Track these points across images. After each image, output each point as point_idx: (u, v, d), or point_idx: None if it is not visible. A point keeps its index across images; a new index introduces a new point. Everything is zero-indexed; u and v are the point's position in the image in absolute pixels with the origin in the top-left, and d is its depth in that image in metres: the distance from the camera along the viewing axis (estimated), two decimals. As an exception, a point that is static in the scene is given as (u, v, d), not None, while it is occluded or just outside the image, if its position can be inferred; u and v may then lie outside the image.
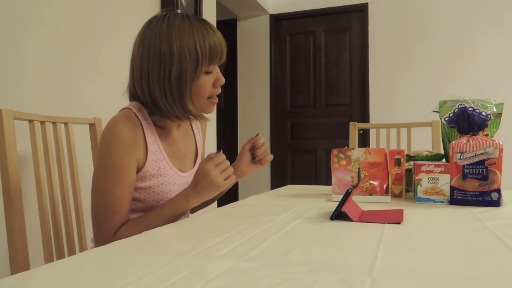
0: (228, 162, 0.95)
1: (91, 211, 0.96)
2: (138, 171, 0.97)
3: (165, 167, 1.01)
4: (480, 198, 1.02)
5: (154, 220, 0.93)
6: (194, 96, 0.98)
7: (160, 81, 0.94)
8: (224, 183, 0.93)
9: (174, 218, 0.95)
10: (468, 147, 1.04)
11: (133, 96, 1.02)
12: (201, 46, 0.94)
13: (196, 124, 1.19)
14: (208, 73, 0.98)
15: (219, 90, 1.02)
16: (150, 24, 0.97)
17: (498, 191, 1.02)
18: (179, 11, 1.01)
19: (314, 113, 4.09)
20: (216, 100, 1.03)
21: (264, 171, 4.20)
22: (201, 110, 1.01)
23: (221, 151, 0.96)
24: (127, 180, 0.93)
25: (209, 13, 2.88)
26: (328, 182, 3.70)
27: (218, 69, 1.01)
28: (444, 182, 1.06)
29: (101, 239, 0.94)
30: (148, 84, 0.96)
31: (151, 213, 0.96)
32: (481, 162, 1.03)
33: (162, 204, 0.97)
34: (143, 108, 1.00)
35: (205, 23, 0.98)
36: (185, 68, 0.94)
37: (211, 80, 0.99)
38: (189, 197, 0.94)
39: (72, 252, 1.16)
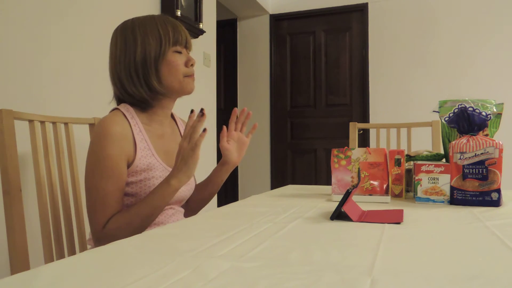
0: (196, 132, 0.94)
1: (86, 207, 1.00)
2: (128, 166, 1.01)
3: (154, 162, 1.04)
4: (480, 198, 1.02)
5: (139, 208, 0.96)
6: (165, 75, 1.03)
7: (126, 65, 1.02)
8: (191, 153, 0.94)
9: (159, 202, 0.96)
10: (468, 147, 1.04)
11: (118, 99, 1.09)
12: (163, 29, 1.03)
13: (182, 124, 1.24)
14: (177, 52, 1.05)
15: (192, 71, 1.08)
16: (116, 29, 1.08)
17: (498, 191, 1.01)
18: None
19: (314, 113, 4.09)
20: (193, 77, 1.09)
21: (264, 171, 4.20)
22: (182, 89, 1.06)
23: (193, 112, 0.96)
24: (116, 175, 0.97)
25: (209, 13, 2.88)
26: (328, 182, 3.70)
27: (186, 52, 1.08)
28: (444, 182, 1.06)
29: (93, 233, 0.98)
30: (117, 72, 1.04)
31: (137, 203, 0.98)
32: (481, 162, 1.03)
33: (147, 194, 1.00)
34: (131, 108, 1.06)
35: (166, 16, 1.08)
36: (149, 49, 1.01)
37: (182, 59, 1.05)
38: (169, 178, 0.96)
39: (72, 252, 1.16)
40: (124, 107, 1.05)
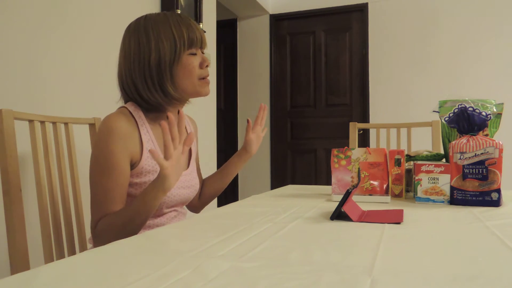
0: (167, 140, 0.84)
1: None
2: (133, 167, 0.99)
3: None
4: (480, 198, 1.02)
5: (123, 210, 0.93)
6: (180, 79, 1.01)
7: (141, 70, 0.99)
8: (166, 164, 0.84)
9: (140, 206, 0.90)
10: (468, 147, 1.04)
11: (125, 100, 1.06)
12: (177, 31, 0.99)
13: (189, 124, 1.22)
14: (192, 54, 1.02)
15: (207, 72, 1.05)
16: (129, 27, 1.04)
17: (498, 191, 1.01)
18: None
19: (314, 113, 4.09)
20: (208, 80, 1.06)
21: (264, 171, 4.20)
22: (196, 92, 1.04)
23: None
24: (117, 172, 0.94)
25: (209, 13, 2.88)
26: (328, 182, 3.70)
27: (201, 53, 1.05)
28: (444, 182, 1.06)
29: (91, 229, 0.97)
30: (131, 75, 1.00)
31: (125, 205, 0.96)
32: (481, 162, 1.03)
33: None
34: (138, 107, 1.03)
35: (179, 14, 1.04)
36: (163, 53, 0.98)
37: (197, 61, 1.02)
38: (149, 186, 0.90)
39: (72, 252, 1.16)
40: (132, 106, 1.02)
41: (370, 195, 1.15)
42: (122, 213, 0.93)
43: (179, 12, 1.06)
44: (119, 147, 0.94)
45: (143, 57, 0.98)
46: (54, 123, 1.19)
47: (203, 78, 1.04)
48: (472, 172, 1.03)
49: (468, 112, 1.09)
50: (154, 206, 0.91)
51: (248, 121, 1.22)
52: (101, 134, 0.96)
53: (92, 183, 0.97)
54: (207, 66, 1.04)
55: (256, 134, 1.25)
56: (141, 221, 0.92)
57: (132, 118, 1.00)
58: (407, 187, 1.24)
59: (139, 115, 1.02)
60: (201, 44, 1.04)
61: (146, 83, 0.99)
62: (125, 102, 1.06)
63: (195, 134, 1.24)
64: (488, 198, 1.02)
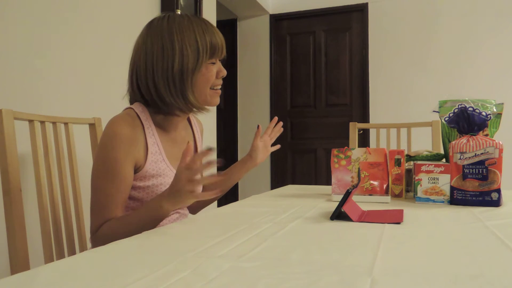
0: (197, 170, 0.84)
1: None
2: (137, 170, 0.98)
3: (164, 168, 1.01)
4: (480, 198, 1.02)
5: (131, 220, 0.92)
6: (197, 87, 1.00)
7: (164, 74, 0.97)
8: (190, 196, 0.86)
9: (150, 220, 0.90)
10: (468, 147, 1.04)
11: (134, 99, 1.04)
12: (201, 40, 0.98)
13: (196, 125, 1.20)
14: (212, 63, 1.01)
15: (221, 82, 1.05)
16: (151, 25, 1.01)
17: (498, 191, 1.02)
18: (179, 11, 1.03)
19: (314, 113, 4.09)
20: (220, 91, 1.05)
21: (264, 171, 4.20)
22: (206, 102, 1.03)
23: (211, 149, 0.84)
24: (119, 178, 0.93)
25: (209, 13, 2.88)
26: (328, 182, 3.69)
27: (219, 62, 1.04)
28: (444, 182, 1.06)
29: (90, 234, 0.97)
30: (153, 79, 0.98)
31: (131, 212, 0.94)
32: (481, 162, 1.03)
33: (143, 205, 0.96)
34: (145, 109, 1.01)
35: (203, 20, 1.03)
36: (186, 60, 0.97)
37: (215, 70, 1.02)
38: (163, 200, 0.89)
39: (72, 252, 1.16)
40: (139, 107, 1.00)
41: (370, 195, 1.15)
42: (127, 222, 0.91)
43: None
44: (122, 153, 0.93)
45: (166, 62, 0.97)
46: (54, 123, 1.19)
47: (215, 89, 1.04)
48: (472, 172, 1.03)
49: (468, 112, 1.09)
50: (159, 218, 0.90)
51: (258, 126, 1.24)
52: (105, 138, 0.94)
53: (93, 187, 0.95)
54: (222, 76, 1.04)
55: (264, 143, 1.25)
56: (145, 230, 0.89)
57: (138, 121, 0.98)
58: (407, 187, 1.24)
59: (146, 117, 1.00)
60: (221, 55, 1.03)
61: (169, 89, 0.97)
62: (132, 101, 1.04)
63: (201, 135, 1.22)
64: (488, 198, 1.02)
